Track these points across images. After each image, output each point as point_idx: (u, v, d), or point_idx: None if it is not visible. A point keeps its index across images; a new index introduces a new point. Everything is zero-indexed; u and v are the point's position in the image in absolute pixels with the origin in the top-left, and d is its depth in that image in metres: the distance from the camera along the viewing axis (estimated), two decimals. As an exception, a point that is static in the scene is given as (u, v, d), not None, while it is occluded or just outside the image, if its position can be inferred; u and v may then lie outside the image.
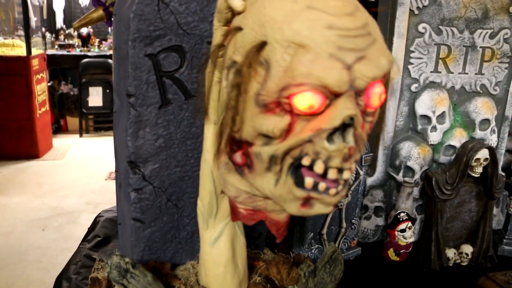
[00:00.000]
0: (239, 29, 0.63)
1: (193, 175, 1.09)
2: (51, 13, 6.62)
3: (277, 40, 0.57)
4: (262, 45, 0.59)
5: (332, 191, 0.63)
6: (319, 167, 0.61)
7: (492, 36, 1.58)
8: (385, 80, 0.63)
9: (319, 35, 0.56)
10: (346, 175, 0.63)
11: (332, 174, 0.61)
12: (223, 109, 0.76)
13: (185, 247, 1.14)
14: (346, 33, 0.57)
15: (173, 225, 1.11)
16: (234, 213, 0.77)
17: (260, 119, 0.61)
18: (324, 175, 0.62)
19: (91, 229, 1.68)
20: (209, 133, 0.82)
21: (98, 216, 1.73)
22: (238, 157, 0.67)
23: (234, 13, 0.67)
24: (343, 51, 0.56)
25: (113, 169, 4.45)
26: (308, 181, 0.63)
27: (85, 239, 1.56)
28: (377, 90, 0.61)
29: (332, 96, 0.58)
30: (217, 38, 0.71)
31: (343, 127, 0.59)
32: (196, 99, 1.03)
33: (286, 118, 0.60)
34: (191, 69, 1.04)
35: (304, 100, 0.57)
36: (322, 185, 0.63)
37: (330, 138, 0.59)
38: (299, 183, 0.63)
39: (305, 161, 0.61)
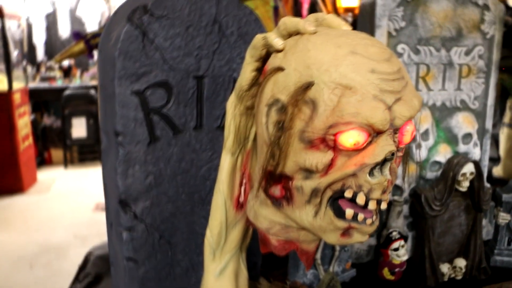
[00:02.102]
0: (281, 69, 0.67)
1: (185, 210, 1.09)
2: (32, 46, 6.61)
3: (324, 81, 0.62)
4: (308, 85, 0.63)
5: (369, 221, 0.68)
6: (361, 199, 0.65)
7: (467, 53, 1.62)
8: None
9: (364, 78, 0.61)
10: (384, 205, 0.68)
11: (372, 205, 0.66)
12: (241, 141, 0.81)
13: (180, 284, 1.13)
14: (386, 76, 0.63)
15: (167, 262, 1.10)
16: (265, 244, 0.80)
17: (304, 155, 0.65)
18: (362, 207, 0.67)
19: (81, 267, 1.66)
20: (226, 163, 0.83)
21: (89, 254, 1.70)
22: (277, 190, 0.71)
23: (269, 51, 0.72)
24: (384, 93, 0.62)
25: (100, 200, 4.38)
26: (349, 212, 0.67)
27: (76, 279, 1.54)
28: (409, 128, 0.67)
29: (374, 133, 0.63)
30: (246, 73, 0.75)
31: (383, 162, 0.64)
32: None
33: (329, 153, 0.64)
34: (178, 104, 1.04)
35: (351, 137, 0.62)
36: (360, 216, 0.67)
37: (370, 172, 0.64)
38: (339, 214, 0.68)
39: (348, 194, 0.66)
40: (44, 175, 5.42)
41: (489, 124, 1.73)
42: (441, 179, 1.61)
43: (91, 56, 2.66)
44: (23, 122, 4.95)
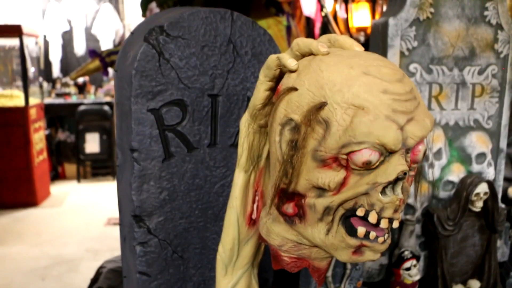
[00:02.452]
0: (294, 89, 0.68)
1: (198, 226, 1.10)
2: (48, 63, 6.73)
3: (337, 101, 0.63)
4: (321, 105, 0.64)
5: (381, 239, 0.68)
6: (373, 218, 0.66)
7: (480, 72, 1.63)
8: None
9: (376, 99, 0.63)
10: (396, 224, 0.69)
11: (384, 223, 0.66)
12: (254, 159, 0.83)
13: (192, 299, 1.13)
14: (398, 97, 0.64)
15: (179, 277, 1.11)
16: (277, 261, 0.80)
17: (317, 173, 0.66)
18: (374, 225, 0.67)
19: (93, 280, 1.67)
20: (239, 180, 0.84)
21: (101, 267, 1.72)
22: (290, 208, 0.72)
23: (282, 71, 0.74)
24: (396, 113, 0.63)
25: (112, 214, 4.40)
26: (361, 230, 0.68)
27: (89, 293, 1.55)
28: (421, 148, 0.68)
29: (386, 153, 0.64)
30: (260, 92, 0.76)
31: (394, 181, 0.65)
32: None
33: (341, 172, 0.65)
34: (193, 122, 1.06)
35: (364, 157, 0.63)
36: (372, 234, 0.68)
37: (382, 191, 0.65)
38: (351, 232, 0.68)
39: (360, 212, 0.66)
40: (58, 189, 5.47)
41: (503, 143, 1.72)
42: (454, 198, 1.61)
43: (106, 73, 2.71)
44: (38, 136, 5.02)
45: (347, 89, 0.63)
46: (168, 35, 1.02)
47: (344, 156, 0.64)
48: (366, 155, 0.63)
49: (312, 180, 0.67)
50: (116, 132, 1.16)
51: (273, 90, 0.76)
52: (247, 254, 0.89)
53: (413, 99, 0.66)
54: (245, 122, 0.80)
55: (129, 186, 1.04)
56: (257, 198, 0.86)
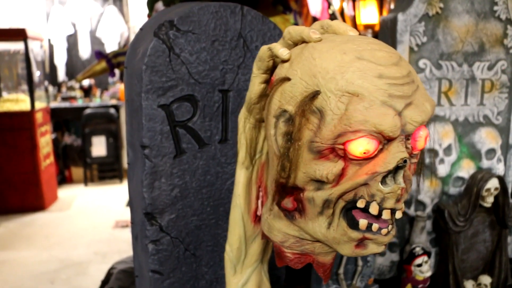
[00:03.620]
0: (287, 79, 0.66)
1: (210, 223, 1.10)
2: (53, 67, 6.76)
3: (330, 89, 0.61)
4: (315, 94, 0.62)
5: (384, 231, 0.66)
6: (374, 209, 0.64)
7: (490, 68, 1.61)
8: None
9: (371, 84, 0.60)
10: (399, 214, 0.66)
11: (386, 215, 0.64)
12: (254, 154, 0.81)
13: (205, 296, 1.13)
14: (395, 81, 0.61)
15: (192, 275, 1.10)
16: (281, 258, 0.78)
17: (314, 165, 0.64)
18: (376, 216, 0.65)
19: (104, 281, 1.67)
20: (241, 177, 0.83)
21: (111, 268, 1.71)
22: (289, 202, 0.69)
23: (275, 62, 0.71)
24: (393, 98, 0.60)
25: (119, 217, 4.40)
26: (363, 222, 0.66)
27: (100, 293, 1.55)
28: (423, 133, 0.65)
29: (385, 141, 0.61)
30: (255, 85, 0.74)
31: (395, 170, 0.63)
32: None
33: (339, 163, 0.63)
34: (204, 118, 1.06)
35: (361, 146, 0.60)
36: (375, 226, 0.66)
37: (383, 181, 0.62)
38: (353, 224, 0.67)
39: (360, 204, 0.64)
40: (65, 192, 5.48)
41: (513, 139, 1.71)
42: (465, 194, 1.60)
43: (113, 74, 2.71)
44: (45, 141, 5.04)
45: (341, 76, 0.61)
46: (178, 30, 1.02)
47: (341, 146, 0.61)
48: (363, 143, 0.60)
49: (310, 172, 0.65)
50: (127, 129, 1.15)
51: (268, 82, 0.74)
52: (255, 252, 0.88)
53: (411, 83, 0.63)
54: (242, 117, 0.78)
55: (140, 184, 1.04)
56: (261, 194, 0.85)
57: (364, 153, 0.61)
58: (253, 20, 1.08)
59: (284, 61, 0.69)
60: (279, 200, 0.71)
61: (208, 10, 1.03)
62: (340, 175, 0.63)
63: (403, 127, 0.61)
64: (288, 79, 0.66)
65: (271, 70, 0.73)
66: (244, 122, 0.79)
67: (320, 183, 0.65)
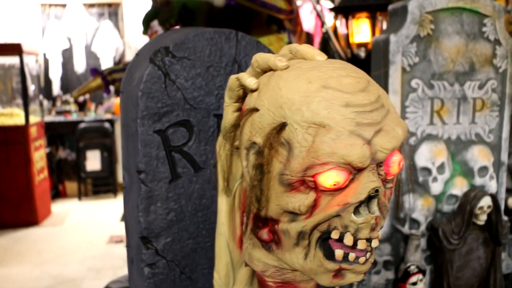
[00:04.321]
0: (256, 110, 0.64)
1: (206, 246, 1.10)
2: (48, 81, 6.76)
3: (296, 121, 0.59)
4: (281, 126, 0.60)
5: (362, 259, 0.64)
6: (348, 240, 0.62)
7: (480, 87, 1.64)
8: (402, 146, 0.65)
9: (338, 114, 0.58)
10: (375, 243, 0.64)
11: (361, 245, 0.63)
12: (235, 182, 0.78)
13: (200, 319, 1.13)
14: (362, 109, 0.59)
15: (187, 297, 1.11)
16: (263, 286, 0.77)
17: (286, 198, 0.62)
18: (353, 246, 0.63)
19: (99, 301, 1.66)
20: (223, 205, 0.82)
21: (106, 287, 1.71)
22: (265, 234, 0.68)
23: (246, 91, 0.70)
24: (361, 127, 0.59)
25: (114, 232, 4.39)
26: (338, 253, 0.64)
27: (95, 314, 1.54)
28: (396, 159, 0.63)
29: (355, 171, 0.60)
30: (228, 114, 0.73)
31: (368, 199, 0.61)
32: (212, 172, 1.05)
33: (311, 194, 0.61)
34: (199, 142, 1.07)
35: (330, 178, 0.59)
36: (352, 255, 0.64)
37: (356, 210, 0.61)
38: (329, 255, 0.65)
39: (334, 235, 0.63)
40: (59, 207, 5.46)
41: (504, 156, 1.73)
42: (458, 212, 1.61)
43: (108, 91, 2.73)
44: (39, 155, 5.02)
45: (306, 107, 0.59)
46: (173, 56, 1.03)
47: (311, 178, 0.60)
48: (332, 176, 0.58)
49: (282, 205, 0.63)
50: (122, 154, 1.16)
51: (240, 110, 0.72)
52: (244, 277, 0.87)
53: (380, 108, 0.61)
54: (219, 145, 0.77)
55: (136, 208, 1.05)
56: (245, 219, 0.83)
57: (334, 185, 0.59)
58: (247, 46, 1.10)
59: (252, 91, 0.67)
60: (256, 231, 0.70)
61: (203, 36, 1.05)
62: (313, 206, 0.62)
63: (374, 156, 0.59)
64: (257, 109, 0.64)
65: (242, 98, 0.71)
66: (220, 150, 0.77)
67: (294, 214, 0.63)
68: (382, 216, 0.63)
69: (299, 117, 0.59)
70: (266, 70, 0.68)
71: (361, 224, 0.61)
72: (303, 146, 0.59)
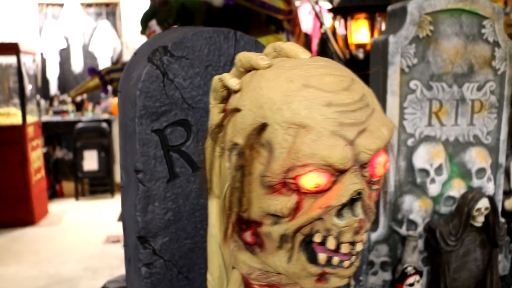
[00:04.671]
0: (238, 110, 0.63)
1: (203, 246, 1.10)
2: (45, 80, 6.75)
3: (277, 121, 0.58)
4: (262, 127, 0.58)
5: (346, 263, 0.62)
6: (331, 244, 0.60)
7: (479, 89, 1.65)
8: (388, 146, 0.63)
9: (319, 114, 0.56)
10: (359, 247, 0.62)
11: (345, 249, 0.61)
12: (225, 183, 0.75)
13: (197, 320, 1.12)
14: (345, 108, 0.57)
15: (185, 298, 1.10)
16: None
17: (267, 200, 0.60)
18: (336, 250, 0.61)
19: (96, 301, 1.65)
20: (213, 207, 0.81)
21: (103, 287, 1.70)
22: (248, 236, 0.66)
23: (230, 92, 0.68)
24: (344, 127, 0.56)
25: (111, 232, 4.38)
26: (321, 257, 0.62)
27: (91, 314, 1.53)
28: (381, 160, 0.61)
29: (337, 173, 0.57)
30: (214, 115, 0.72)
31: (351, 201, 0.59)
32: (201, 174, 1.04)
33: (293, 197, 0.59)
34: (197, 142, 1.07)
35: (310, 180, 0.57)
36: (335, 259, 0.62)
37: (339, 213, 0.59)
38: (312, 259, 0.63)
39: (317, 238, 0.61)
40: (56, 207, 5.44)
41: (502, 158, 1.74)
42: (456, 214, 1.61)
43: (106, 91, 2.72)
44: (36, 155, 5.01)
45: (287, 107, 0.57)
46: (172, 56, 1.03)
47: (292, 180, 0.58)
48: (312, 178, 0.56)
49: (264, 207, 0.61)
50: (120, 153, 1.16)
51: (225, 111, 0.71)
52: (237, 278, 0.85)
53: (364, 107, 0.59)
54: (208, 146, 0.75)
55: (133, 208, 1.04)
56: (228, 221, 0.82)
57: (316, 187, 0.57)
58: (246, 45, 1.10)
59: (235, 91, 0.66)
60: (240, 233, 0.68)
61: (202, 35, 1.05)
62: (296, 209, 0.60)
63: (357, 157, 0.57)
64: (239, 110, 0.62)
65: (227, 98, 0.70)
66: (209, 151, 0.75)
67: (276, 217, 0.61)
68: (367, 218, 0.62)
69: (279, 117, 0.57)
70: (249, 69, 0.67)
71: (343, 227, 0.59)
72: (283, 147, 0.57)
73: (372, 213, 0.63)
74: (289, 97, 0.58)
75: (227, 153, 0.66)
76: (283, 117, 0.57)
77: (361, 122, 0.58)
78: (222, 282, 0.89)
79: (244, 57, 0.67)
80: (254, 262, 0.70)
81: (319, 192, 0.58)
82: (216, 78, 0.69)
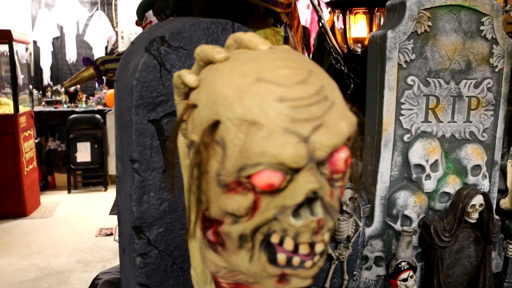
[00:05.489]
0: (194, 106, 0.60)
1: (199, 237, 1.09)
2: (38, 70, 6.69)
3: (229, 118, 0.55)
4: (216, 123, 0.56)
5: (308, 263, 0.59)
6: (288, 244, 0.57)
7: (476, 86, 1.64)
8: (353, 141, 0.60)
9: (271, 110, 0.53)
10: (319, 248, 0.59)
11: (303, 249, 0.58)
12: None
13: (191, 311, 1.12)
14: (299, 103, 0.54)
15: (179, 289, 1.10)
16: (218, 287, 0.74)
17: (224, 199, 0.57)
18: (295, 250, 0.58)
19: (88, 292, 1.64)
20: (193, 203, 0.80)
21: (96, 278, 1.69)
22: (210, 235, 0.64)
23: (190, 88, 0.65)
24: (297, 123, 0.53)
25: (103, 225, 4.37)
26: (281, 257, 0.59)
27: (84, 305, 1.52)
28: (342, 156, 0.57)
29: (291, 171, 0.55)
30: (180, 111, 0.69)
31: (310, 200, 0.56)
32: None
33: (249, 196, 0.56)
34: (194, 133, 1.06)
35: (263, 180, 0.54)
36: (296, 260, 0.59)
37: (296, 213, 0.56)
38: (273, 259, 0.59)
39: (274, 239, 0.58)
40: (48, 199, 5.41)
41: (498, 156, 1.74)
42: (451, 210, 1.61)
43: (101, 81, 2.69)
44: (28, 145, 4.97)
45: (239, 103, 0.54)
46: (169, 46, 1.02)
47: (246, 180, 0.55)
48: (265, 178, 0.54)
49: (221, 207, 0.58)
50: (116, 143, 1.15)
51: None
52: None
53: (322, 101, 0.56)
54: (180, 142, 0.73)
55: (129, 198, 1.03)
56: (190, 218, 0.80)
57: (269, 187, 0.54)
58: (245, 36, 1.09)
59: (194, 88, 0.62)
60: (204, 231, 0.65)
61: (200, 26, 1.04)
62: (254, 208, 0.57)
63: (312, 154, 0.54)
64: (195, 106, 0.60)
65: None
66: (181, 146, 0.73)
67: (236, 216, 0.58)
68: (330, 217, 0.59)
69: (231, 114, 0.55)
70: (208, 62, 0.63)
71: (300, 227, 0.56)
72: (235, 145, 0.54)
73: (335, 211, 0.60)
74: (241, 93, 0.55)
75: (187, 150, 0.63)
76: (235, 113, 0.54)
77: (317, 117, 0.55)
78: (205, 277, 0.87)
79: (201, 50, 0.64)
80: (219, 261, 0.67)
81: (275, 191, 0.55)
82: (175, 75, 0.65)
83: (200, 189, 0.60)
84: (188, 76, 0.62)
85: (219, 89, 0.56)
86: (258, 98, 0.54)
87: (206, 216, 0.63)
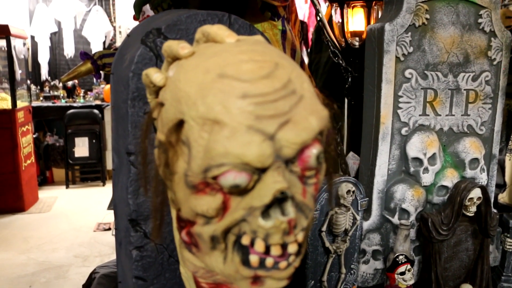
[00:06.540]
0: (161, 104, 0.59)
1: (195, 230, 1.09)
2: (36, 65, 6.67)
3: (192, 117, 0.53)
4: (181, 122, 0.54)
5: (282, 264, 0.57)
6: (259, 246, 0.55)
7: (474, 79, 1.64)
8: (326, 134, 0.57)
9: (233, 107, 0.51)
10: (292, 248, 0.57)
11: (275, 251, 0.56)
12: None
13: (188, 304, 1.12)
14: (264, 99, 0.52)
15: (175, 281, 1.10)
16: (198, 287, 0.73)
17: (193, 200, 0.56)
18: (267, 252, 0.56)
19: (86, 286, 1.64)
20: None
21: (93, 272, 1.69)
22: (185, 236, 0.63)
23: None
24: (262, 120, 0.51)
25: (101, 220, 4.38)
26: (253, 259, 0.57)
27: (81, 298, 1.53)
28: (313, 152, 0.55)
29: (258, 171, 0.52)
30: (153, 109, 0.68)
31: (280, 200, 0.54)
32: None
33: (218, 197, 0.54)
34: (190, 125, 1.05)
35: (228, 181, 0.52)
36: (269, 261, 0.57)
37: (266, 213, 0.53)
38: (245, 260, 0.57)
39: (245, 240, 0.56)
40: (46, 194, 5.42)
41: (496, 149, 1.74)
42: (448, 203, 1.61)
43: (99, 76, 2.68)
44: (26, 140, 4.97)
45: (201, 101, 0.52)
46: (165, 38, 1.01)
47: (213, 180, 0.53)
48: (230, 179, 0.52)
49: (191, 207, 0.57)
50: (112, 136, 1.14)
51: None
52: None
53: (288, 96, 0.53)
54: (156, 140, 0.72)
55: (125, 190, 1.03)
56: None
57: (235, 187, 0.52)
58: (240, 29, 1.08)
59: (161, 87, 0.61)
60: (180, 231, 0.65)
61: (196, 18, 1.03)
62: (224, 209, 0.55)
63: (278, 152, 0.52)
64: (162, 104, 0.58)
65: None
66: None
67: (207, 217, 0.57)
68: (303, 216, 0.57)
69: (194, 112, 0.53)
70: (175, 59, 0.62)
71: (270, 228, 0.54)
72: (200, 145, 0.52)
73: (309, 210, 0.58)
74: (203, 90, 0.53)
75: (156, 150, 0.62)
76: (198, 112, 0.52)
77: (283, 113, 0.52)
78: None
79: (167, 46, 0.62)
80: (196, 261, 0.66)
81: (243, 191, 0.53)
82: (143, 73, 0.64)
83: (172, 190, 0.59)
84: (155, 75, 0.61)
85: (183, 87, 0.55)
86: (221, 96, 0.52)
87: (180, 216, 0.61)
